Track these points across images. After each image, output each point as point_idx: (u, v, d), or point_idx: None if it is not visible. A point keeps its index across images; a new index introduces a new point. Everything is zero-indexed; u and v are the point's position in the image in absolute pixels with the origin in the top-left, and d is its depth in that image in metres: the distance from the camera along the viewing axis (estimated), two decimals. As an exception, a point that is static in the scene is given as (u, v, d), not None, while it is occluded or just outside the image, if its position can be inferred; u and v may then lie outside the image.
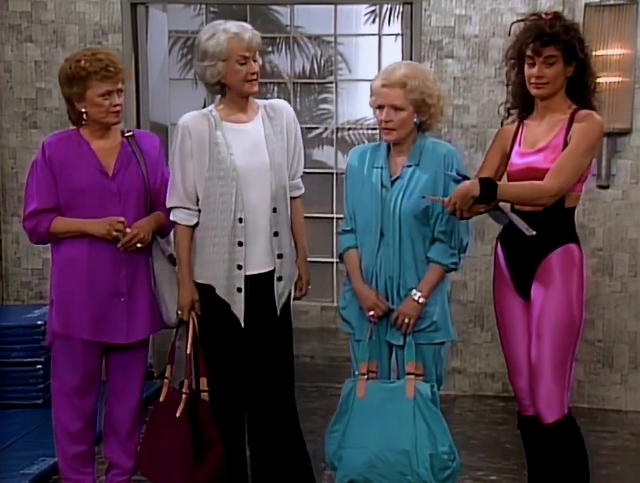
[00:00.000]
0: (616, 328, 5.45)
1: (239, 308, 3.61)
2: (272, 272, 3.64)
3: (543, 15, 3.44)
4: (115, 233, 3.58)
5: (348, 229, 3.66)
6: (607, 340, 5.45)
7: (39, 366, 5.16)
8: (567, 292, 3.40)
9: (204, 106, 3.82)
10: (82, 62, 3.54)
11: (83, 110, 3.60)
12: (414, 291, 3.50)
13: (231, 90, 3.59)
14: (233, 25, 3.53)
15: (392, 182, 3.54)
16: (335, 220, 7.91)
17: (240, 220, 3.55)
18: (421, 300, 3.50)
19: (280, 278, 3.66)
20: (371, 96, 3.56)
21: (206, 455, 3.56)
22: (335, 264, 7.71)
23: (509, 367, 3.61)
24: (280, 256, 3.64)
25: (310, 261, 3.85)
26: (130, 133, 3.76)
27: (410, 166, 3.53)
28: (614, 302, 5.42)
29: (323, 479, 4.36)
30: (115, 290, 3.64)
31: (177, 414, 3.55)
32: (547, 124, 3.44)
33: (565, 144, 3.36)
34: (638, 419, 5.36)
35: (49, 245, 3.77)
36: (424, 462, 3.39)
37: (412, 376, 3.49)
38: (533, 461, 3.64)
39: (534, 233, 3.34)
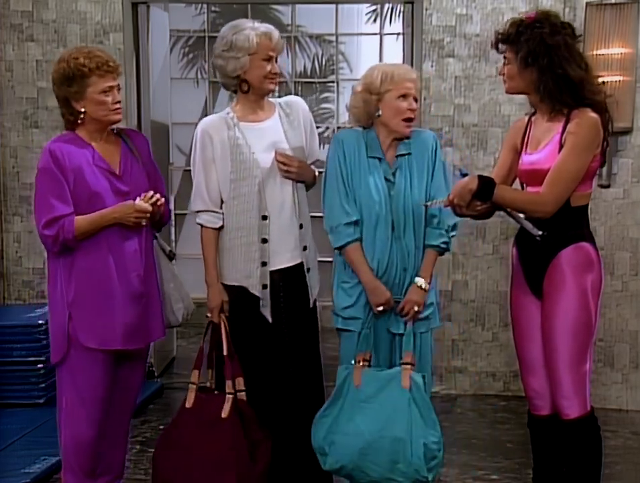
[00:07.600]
0: (618, 327, 5.45)
1: (266, 304, 3.63)
2: (301, 264, 3.69)
3: (524, 17, 3.44)
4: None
5: (351, 221, 3.57)
6: (608, 339, 5.44)
7: (40, 365, 5.16)
8: (578, 291, 3.36)
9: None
10: (81, 59, 3.47)
11: (82, 109, 3.49)
12: (418, 279, 3.56)
13: (248, 87, 3.61)
14: (261, 25, 3.63)
15: (392, 174, 3.58)
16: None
17: (264, 217, 3.60)
18: (426, 286, 3.55)
19: (308, 269, 3.72)
20: (393, 86, 3.54)
21: (257, 454, 3.53)
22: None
23: (522, 366, 3.57)
24: (305, 248, 3.69)
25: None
26: (120, 131, 3.67)
27: (403, 155, 3.60)
28: (616, 302, 5.41)
29: None
30: (137, 292, 3.54)
31: (223, 415, 3.52)
32: (547, 123, 3.42)
33: (561, 145, 3.32)
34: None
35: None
36: (419, 451, 3.39)
37: (409, 366, 3.51)
38: (541, 460, 3.60)
39: (539, 233, 3.34)
